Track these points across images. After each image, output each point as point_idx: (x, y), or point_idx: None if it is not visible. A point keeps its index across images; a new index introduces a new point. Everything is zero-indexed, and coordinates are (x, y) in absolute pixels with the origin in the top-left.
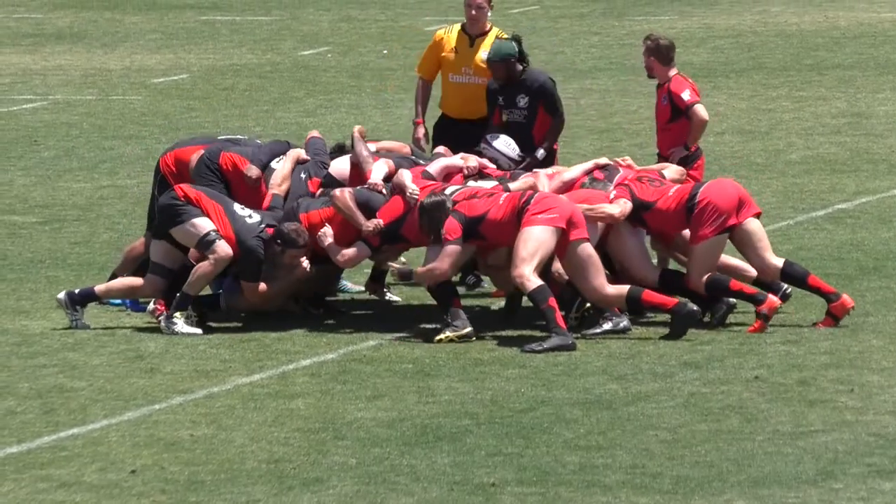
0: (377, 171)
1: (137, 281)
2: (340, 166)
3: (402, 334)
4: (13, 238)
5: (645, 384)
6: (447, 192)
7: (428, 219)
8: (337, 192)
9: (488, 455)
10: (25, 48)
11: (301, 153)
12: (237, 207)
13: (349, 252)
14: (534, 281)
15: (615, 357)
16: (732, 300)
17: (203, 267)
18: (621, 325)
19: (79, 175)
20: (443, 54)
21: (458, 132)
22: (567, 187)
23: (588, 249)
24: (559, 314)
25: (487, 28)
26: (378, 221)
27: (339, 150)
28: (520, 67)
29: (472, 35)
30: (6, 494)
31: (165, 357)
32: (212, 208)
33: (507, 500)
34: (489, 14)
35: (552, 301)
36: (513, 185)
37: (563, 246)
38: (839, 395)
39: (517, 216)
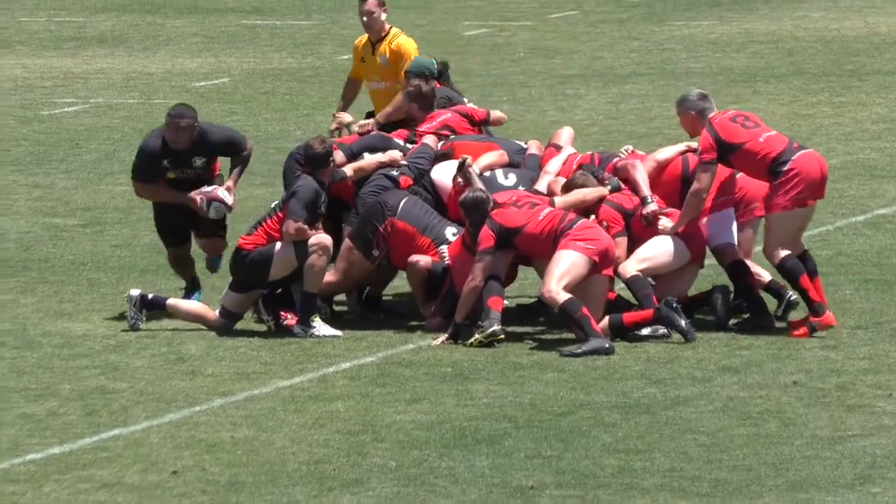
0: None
1: (210, 312)
2: (444, 178)
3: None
4: (55, 241)
5: (683, 388)
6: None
7: (469, 215)
8: (416, 260)
9: (527, 458)
10: (67, 52)
11: (398, 156)
12: None
13: (430, 323)
14: (562, 295)
15: (654, 361)
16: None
17: (312, 260)
18: (660, 331)
19: (120, 178)
20: (358, 63)
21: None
22: (661, 167)
23: (603, 288)
24: (594, 320)
25: (385, 31)
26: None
27: (443, 156)
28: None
29: (373, 42)
30: (48, 495)
31: (206, 359)
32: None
33: (546, 502)
34: (384, 16)
35: (585, 310)
36: (559, 200)
37: (588, 276)
38: (877, 399)
39: (554, 235)
